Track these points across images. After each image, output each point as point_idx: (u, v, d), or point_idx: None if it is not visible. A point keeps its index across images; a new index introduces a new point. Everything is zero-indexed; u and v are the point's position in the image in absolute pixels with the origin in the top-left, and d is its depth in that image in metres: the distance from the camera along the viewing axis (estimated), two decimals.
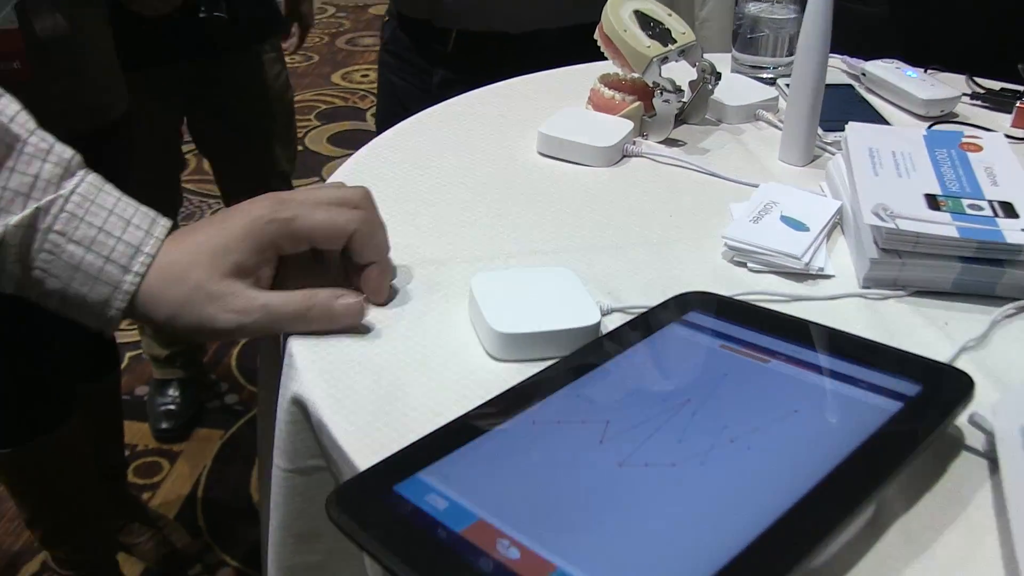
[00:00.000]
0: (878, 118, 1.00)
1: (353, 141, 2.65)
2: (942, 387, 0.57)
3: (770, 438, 0.54)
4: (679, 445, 0.53)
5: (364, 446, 0.56)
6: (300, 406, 0.62)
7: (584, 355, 0.62)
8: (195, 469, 2.00)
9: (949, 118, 1.01)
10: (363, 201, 0.67)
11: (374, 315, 0.68)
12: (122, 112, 1.38)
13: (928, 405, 0.55)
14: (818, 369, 0.60)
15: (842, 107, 1.00)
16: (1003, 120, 1.01)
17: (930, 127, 0.98)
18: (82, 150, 0.65)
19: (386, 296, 0.69)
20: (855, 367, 0.59)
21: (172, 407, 2.09)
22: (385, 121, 1.14)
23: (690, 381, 0.60)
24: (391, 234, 0.69)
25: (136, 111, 1.41)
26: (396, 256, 0.73)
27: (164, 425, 2.08)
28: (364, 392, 0.61)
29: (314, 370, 0.63)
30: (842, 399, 0.57)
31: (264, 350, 0.82)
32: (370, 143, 0.93)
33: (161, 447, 2.06)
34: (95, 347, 1.61)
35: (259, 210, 0.64)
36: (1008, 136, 0.88)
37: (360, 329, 0.66)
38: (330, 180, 0.82)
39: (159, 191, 1.65)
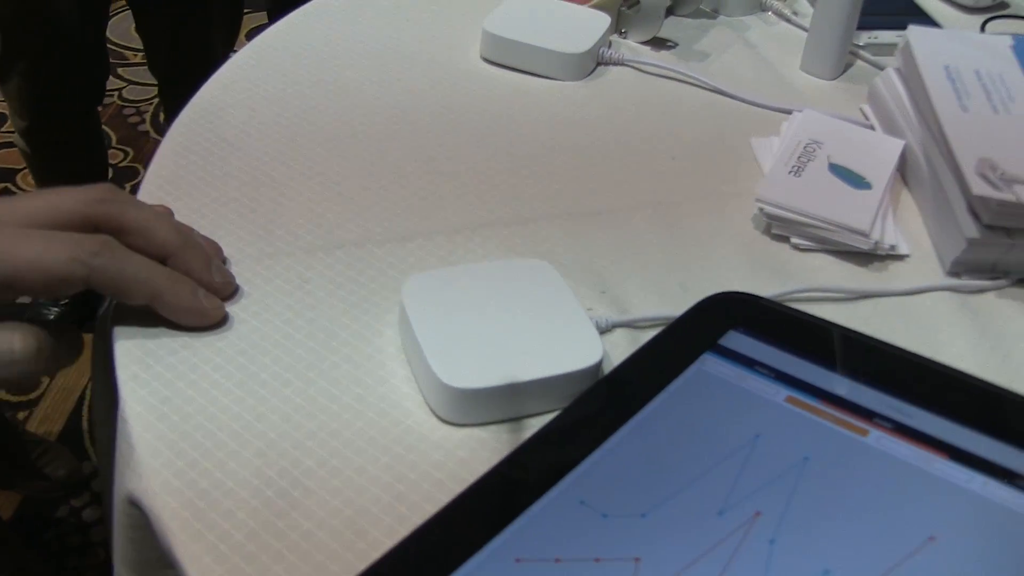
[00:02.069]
0: (914, 9, 0.77)
1: None
2: None
3: None
4: None
5: None
6: (142, 509, 0.39)
7: (579, 420, 0.40)
8: (80, 379, 1.71)
9: (1000, 10, 0.79)
10: (98, 202, 0.42)
11: (245, 349, 0.44)
12: None
13: None
14: (950, 452, 0.38)
15: None
16: None
17: (985, 23, 0.76)
18: None
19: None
20: (1009, 449, 0.38)
21: (55, 308, 1.80)
22: None
23: (754, 474, 0.38)
24: (259, 194, 0.44)
25: None
26: (268, 238, 0.49)
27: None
28: (236, 496, 0.37)
29: (158, 453, 0.39)
30: (1004, 517, 0.36)
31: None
32: (242, 50, 0.66)
33: None
34: None
35: None
36: None
37: (226, 376, 0.42)
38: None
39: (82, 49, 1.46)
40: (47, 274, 0.39)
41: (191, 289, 0.44)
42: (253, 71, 0.63)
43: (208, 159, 0.55)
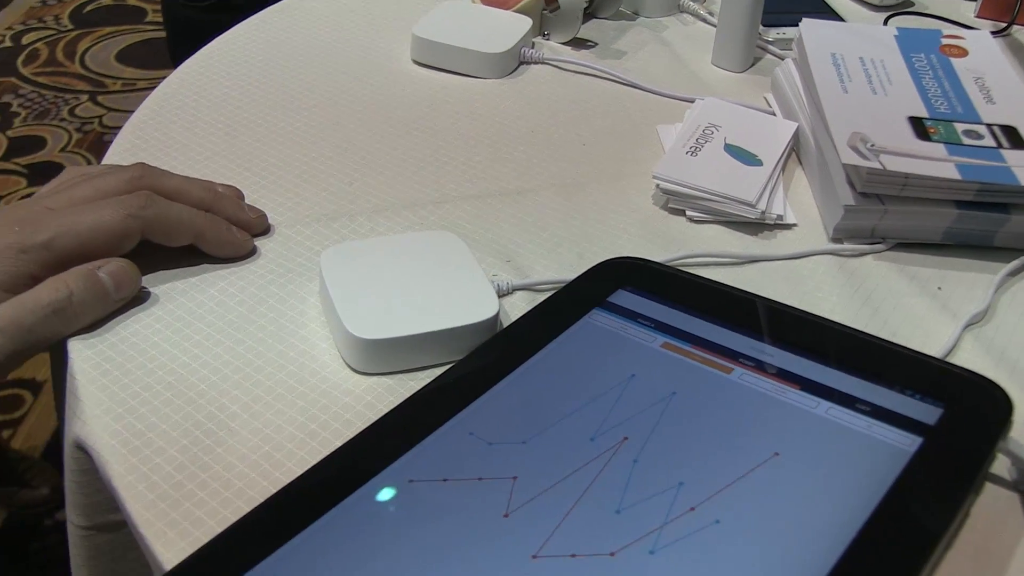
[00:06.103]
0: (824, 7, 0.83)
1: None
2: (971, 409, 0.42)
3: (744, 501, 0.38)
4: (618, 519, 0.37)
5: (165, 523, 0.38)
6: (87, 452, 0.43)
7: (475, 367, 0.45)
8: None
9: (905, 7, 0.84)
10: (137, 180, 0.50)
11: (182, 316, 0.48)
12: None
13: (957, 442, 0.40)
14: (801, 383, 0.43)
15: None
16: (966, 9, 0.85)
17: (888, 19, 0.81)
18: None
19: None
20: (851, 379, 0.43)
21: None
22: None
23: (626, 407, 0.43)
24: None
25: None
26: None
27: None
28: (168, 436, 0.42)
29: (101, 402, 0.44)
30: (839, 434, 0.41)
31: None
32: (192, 57, 0.71)
33: (23, 377, 1.80)
34: None
35: (5, 236, 0.46)
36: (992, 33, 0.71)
37: (164, 339, 0.47)
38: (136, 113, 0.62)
39: None
40: (109, 234, 0.47)
41: (226, 226, 0.52)
42: (199, 78, 0.68)
43: (156, 156, 0.60)
